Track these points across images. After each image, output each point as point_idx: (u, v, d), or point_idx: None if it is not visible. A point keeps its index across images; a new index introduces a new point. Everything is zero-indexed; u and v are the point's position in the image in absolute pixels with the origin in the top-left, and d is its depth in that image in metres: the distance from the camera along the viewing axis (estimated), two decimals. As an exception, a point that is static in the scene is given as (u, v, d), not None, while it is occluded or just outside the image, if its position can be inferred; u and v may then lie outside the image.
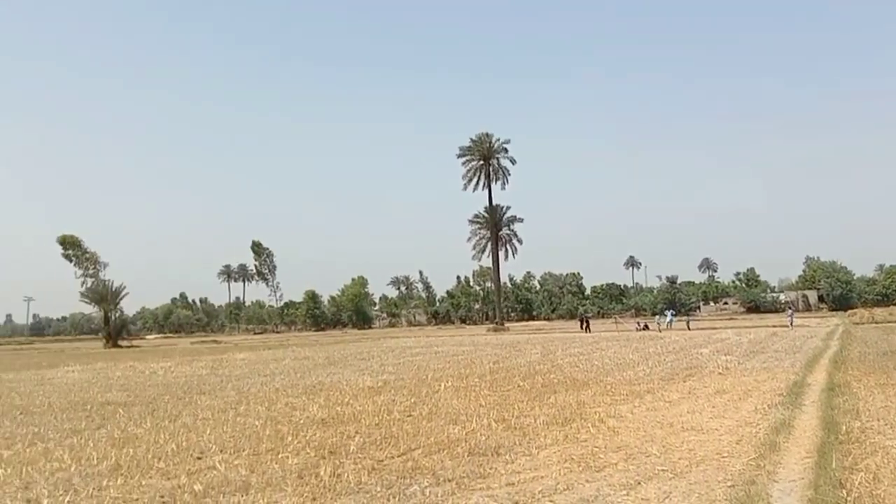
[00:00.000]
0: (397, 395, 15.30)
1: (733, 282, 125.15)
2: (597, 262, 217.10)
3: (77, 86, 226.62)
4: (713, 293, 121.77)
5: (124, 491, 7.20)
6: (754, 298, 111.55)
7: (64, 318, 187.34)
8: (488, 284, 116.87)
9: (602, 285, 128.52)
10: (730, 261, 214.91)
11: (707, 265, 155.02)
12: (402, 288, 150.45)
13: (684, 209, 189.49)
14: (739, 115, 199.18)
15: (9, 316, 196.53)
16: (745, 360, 21.43)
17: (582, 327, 53.48)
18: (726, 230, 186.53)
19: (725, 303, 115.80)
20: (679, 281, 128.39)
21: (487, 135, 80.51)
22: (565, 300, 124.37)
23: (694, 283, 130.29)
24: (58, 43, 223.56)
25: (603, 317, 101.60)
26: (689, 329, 49.50)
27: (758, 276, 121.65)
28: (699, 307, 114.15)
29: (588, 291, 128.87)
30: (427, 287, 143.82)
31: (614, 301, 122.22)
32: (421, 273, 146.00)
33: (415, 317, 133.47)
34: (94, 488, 7.33)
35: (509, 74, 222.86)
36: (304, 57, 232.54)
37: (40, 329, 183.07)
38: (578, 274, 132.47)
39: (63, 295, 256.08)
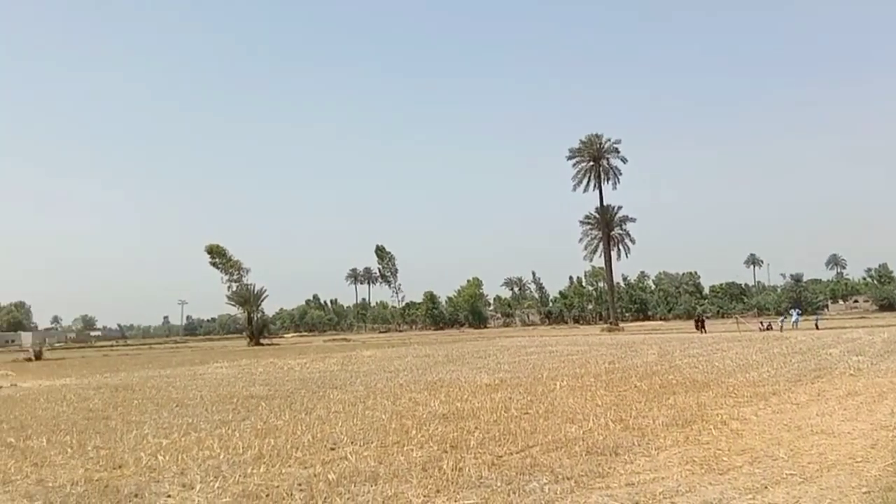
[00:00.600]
0: (514, 392, 15.51)
1: (864, 279, 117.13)
2: (715, 260, 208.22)
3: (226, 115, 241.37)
4: (842, 291, 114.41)
5: (266, 478, 7.84)
6: (887, 296, 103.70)
7: (213, 319, 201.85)
8: (601, 284, 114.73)
9: (721, 284, 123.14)
10: (859, 257, 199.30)
11: (835, 262, 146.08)
12: (516, 288, 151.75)
13: (807, 203, 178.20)
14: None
15: (166, 318, 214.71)
16: (879, 360, 20.06)
17: (697, 327, 51.65)
18: (854, 224, 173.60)
19: (856, 301, 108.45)
20: (805, 279, 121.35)
21: (597, 136, 79.38)
22: (682, 300, 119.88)
23: (821, 280, 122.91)
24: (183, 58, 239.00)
25: (723, 317, 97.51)
26: (817, 329, 46.57)
27: (891, 272, 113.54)
28: (827, 306, 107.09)
29: (706, 291, 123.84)
30: (540, 287, 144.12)
31: (734, 301, 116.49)
32: (534, 274, 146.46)
33: (528, 317, 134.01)
34: (240, 475, 8.02)
35: (621, 76, 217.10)
36: (429, 67, 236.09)
37: (193, 329, 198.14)
38: (695, 273, 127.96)
39: (212, 298, 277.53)
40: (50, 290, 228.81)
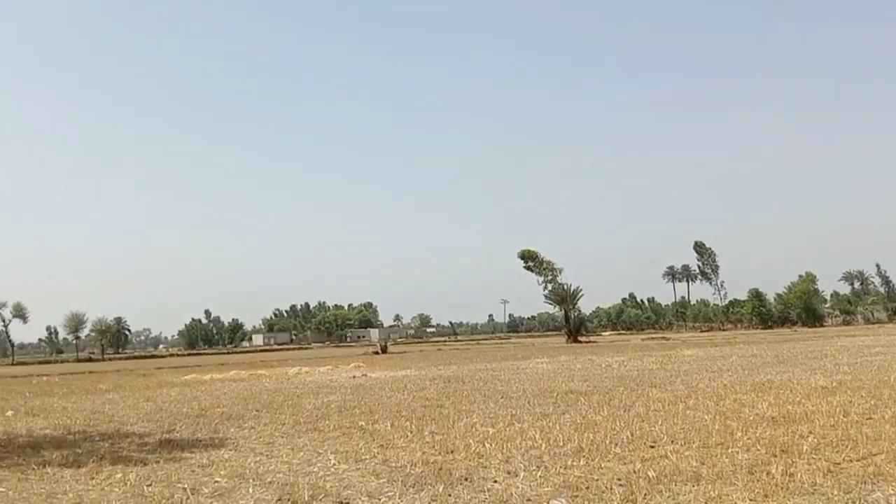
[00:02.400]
0: (854, 396, 13.64)
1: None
2: None
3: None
4: None
5: (586, 471, 7.92)
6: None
7: (533, 317, 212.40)
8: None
9: None
10: None
11: None
12: (857, 283, 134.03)
13: None
14: None
15: (490, 316, 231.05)
16: None
17: None
18: None
19: None
20: None
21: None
22: None
23: None
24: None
25: None
26: None
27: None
28: None
29: None
30: (886, 281, 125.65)
31: None
32: (878, 266, 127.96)
33: (872, 314, 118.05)
34: (560, 466, 8.21)
35: None
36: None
37: (515, 326, 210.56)
38: None
39: (531, 297, 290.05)
40: (392, 290, 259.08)
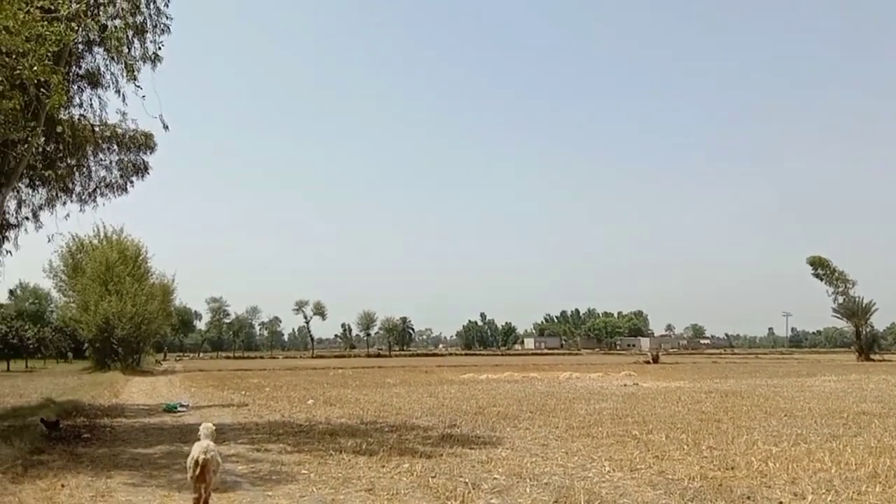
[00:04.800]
0: None
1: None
2: None
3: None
4: None
5: (883, 498, 7.36)
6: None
7: (818, 332, 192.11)
8: None
9: None
10: None
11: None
12: None
13: None
14: None
15: (770, 329, 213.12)
16: None
17: None
18: None
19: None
20: None
21: None
22: None
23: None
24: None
25: None
26: None
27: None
28: None
29: None
30: None
31: None
32: None
33: None
34: (853, 492, 7.69)
35: None
36: None
37: (798, 341, 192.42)
38: None
39: (817, 310, 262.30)
40: (663, 299, 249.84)
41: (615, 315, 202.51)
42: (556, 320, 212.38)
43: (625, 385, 28.64)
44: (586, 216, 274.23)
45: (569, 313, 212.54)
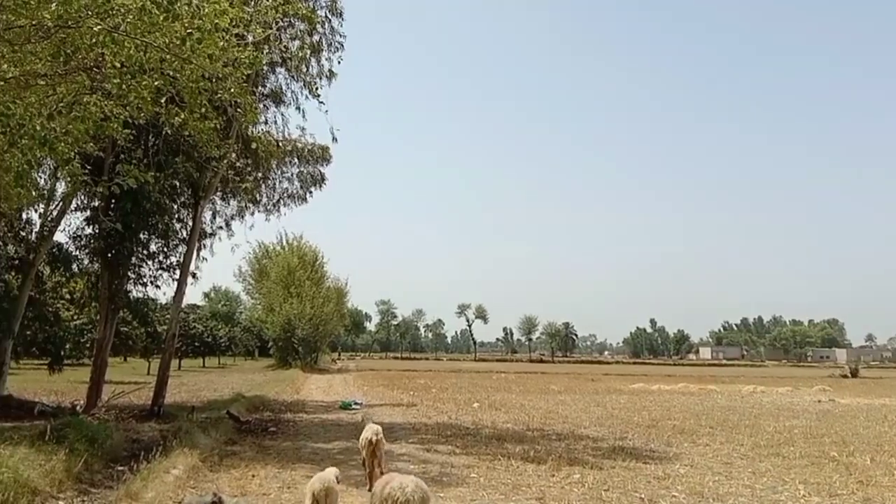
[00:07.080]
0: None
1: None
2: None
3: None
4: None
5: None
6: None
7: None
8: None
9: None
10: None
11: None
12: None
13: None
14: None
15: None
16: None
17: None
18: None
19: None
20: None
21: None
22: None
23: None
24: None
25: None
26: None
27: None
28: None
29: None
30: None
31: None
32: None
33: None
34: None
35: None
36: None
37: None
38: None
39: None
40: (862, 306, 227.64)
41: (805, 323, 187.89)
42: (735, 328, 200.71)
43: (819, 401, 26.33)
44: (772, 216, 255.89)
45: (751, 321, 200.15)
